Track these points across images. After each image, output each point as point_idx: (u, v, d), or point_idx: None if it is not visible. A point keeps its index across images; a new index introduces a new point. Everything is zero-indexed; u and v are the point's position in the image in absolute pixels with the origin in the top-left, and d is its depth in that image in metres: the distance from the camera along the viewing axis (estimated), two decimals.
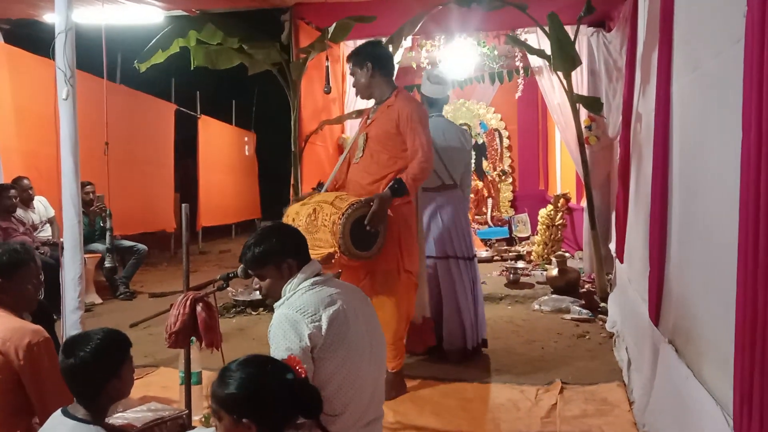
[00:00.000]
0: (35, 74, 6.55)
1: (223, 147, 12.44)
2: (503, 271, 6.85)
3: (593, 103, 5.41)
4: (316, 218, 3.04)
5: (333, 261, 2.96)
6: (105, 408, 1.78)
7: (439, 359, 3.92)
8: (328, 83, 6.34)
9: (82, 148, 3.36)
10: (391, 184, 3.16)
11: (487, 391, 3.44)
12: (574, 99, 5.39)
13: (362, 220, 3.00)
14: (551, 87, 6.36)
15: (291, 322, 1.98)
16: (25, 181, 6.12)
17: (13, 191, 5.77)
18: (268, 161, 14.22)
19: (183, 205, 2.85)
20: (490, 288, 6.26)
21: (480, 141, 10.53)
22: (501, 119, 10.56)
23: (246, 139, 13.85)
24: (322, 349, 1.97)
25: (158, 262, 9.34)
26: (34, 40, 6.38)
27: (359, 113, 5.82)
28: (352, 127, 6.43)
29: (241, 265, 2.64)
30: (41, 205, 6.38)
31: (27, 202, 6.14)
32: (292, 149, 6.01)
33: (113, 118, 7.31)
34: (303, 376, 1.72)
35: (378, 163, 3.31)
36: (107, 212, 6.22)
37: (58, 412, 1.73)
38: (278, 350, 1.95)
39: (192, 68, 5.67)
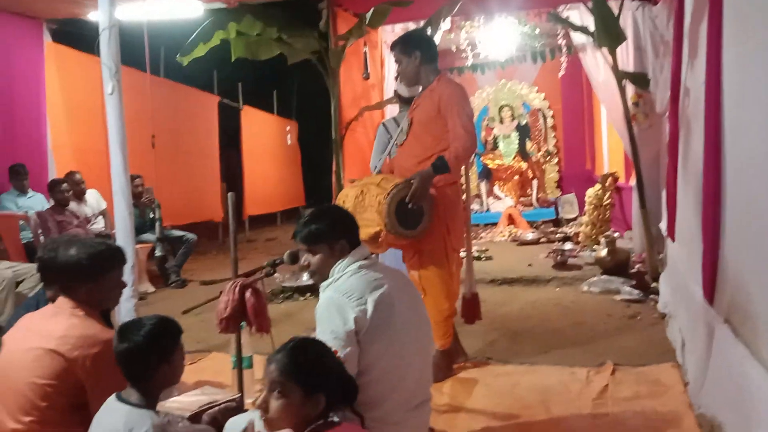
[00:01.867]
0: (83, 71, 6.74)
1: (266, 137, 12.58)
2: (550, 252, 6.75)
3: (640, 79, 5.25)
4: (363, 199, 3.15)
5: (380, 240, 3.05)
6: (157, 393, 1.83)
7: (487, 341, 3.90)
8: (367, 69, 6.33)
9: (129, 141, 3.45)
10: (434, 162, 3.18)
11: (537, 373, 3.41)
12: (620, 76, 5.24)
13: (406, 200, 3.06)
14: (595, 64, 6.19)
15: (337, 306, 2.00)
16: (77, 176, 6.33)
17: (64, 185, 5.97)
18: (310, 149, 14.32)
19: (229, 194, 2.90)
20: (536, 270, 6.19)
21: (523, 122, 10.37)
22: (544, 99, 10.36)
23: (288, 128, 13.97)
24: (367, 332, 1.99)
25: (207, 250, 9.55)
26: (80, 38, 6.56)
27: (399, 98, 5.78)
28: (391, 112, 6.40)
29: (288, 252, 2.69)
30: (93, 198, 6.60)
31: (80, 196, 6.36)
32: (333, 136, 6.04)
33: (159, 111, 7.51)
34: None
35: (422, 145, 3.35)
36: (156, 203, 6.39)
37: (112, 397, 1.78)
38: (324, 332, 1.98)
39: (233, 60, 5.73)
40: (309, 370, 1.53)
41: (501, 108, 10.42)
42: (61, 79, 6.68)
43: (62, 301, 2.05)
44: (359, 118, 6.31)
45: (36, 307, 2.53)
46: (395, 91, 4.32)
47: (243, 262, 2.78)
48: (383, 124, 4.35)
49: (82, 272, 2.02)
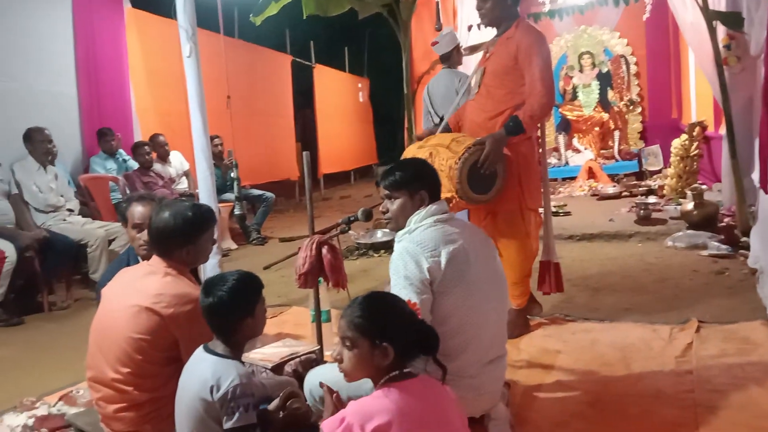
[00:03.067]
0: (161, 35, 6.93)
1: (338, 95, 12.63)
2: (633, 207, 6.52)
3: (733, 19, 4.87)
4: (432, 162, 2.98)
5: (451, 205, 2.94)
6: (241, 344, 1.91)
7: (564, 299, 3.84)
8: (439, 20, 6.20)
9: (208, 103, 3.55)
10: (506, 122, 3.04)
11: (617, 329, 3.33)
12: (710, 16, 4.88)
13: (478, 163, 2.93)
14: (683, 4, 5.77)
15: (411, 254, 2.02)
16: (161, 138, 6.61)
17: (146, 147, 6.24)
18: (381, 106, 14.28)
19: (304, 153, 2.94)
20: (618, 225, 6.00)
21: (604, 69, 9.91)
22: (627, 44, 9.84)
23: (360, 85, 13.96)
24: (441, 283, 2.00)
25: (285, 209, 9.80)
26: (158, 2, 6.71)
27: (472, 49, 5.64)
28: (465, 64, 6.25)
29: (362, 209, 2.72)
30: (177, 160, 6.88)
31: (164, 157, 6.65)
32: (405, 92, 5.97)
33: (234, 72, 7.66)
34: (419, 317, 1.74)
35: (494, 99, 3.18)
36: (234, 163, 6.59)
37: (200, 348, 1.87)
38: (398, 280, 2.01)
39: (304, 17, 5.73)
40: (373, 322, 1.56)
41: (580, 55, 9.99)
42: (142, 44, 6.91)
43: (156, 261, 2.15)
44: (431, 72, 6.21)
45: (127, 263, 2.70)
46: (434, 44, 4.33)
47: (319, 220, 2.84)
48: (426, 89, 4.45)
49: (176, 235, 2.11)
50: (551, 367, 2.92)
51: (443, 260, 2.01)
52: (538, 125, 3.37)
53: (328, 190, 12.05)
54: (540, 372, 2.87)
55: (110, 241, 4.95)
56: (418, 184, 2.17)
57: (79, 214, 5.19)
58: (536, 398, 2.58)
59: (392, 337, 1.55)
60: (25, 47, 5.56)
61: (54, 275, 4.83)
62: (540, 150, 3.50)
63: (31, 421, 2.45)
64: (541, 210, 3.44)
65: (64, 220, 4.99)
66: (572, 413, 2.42)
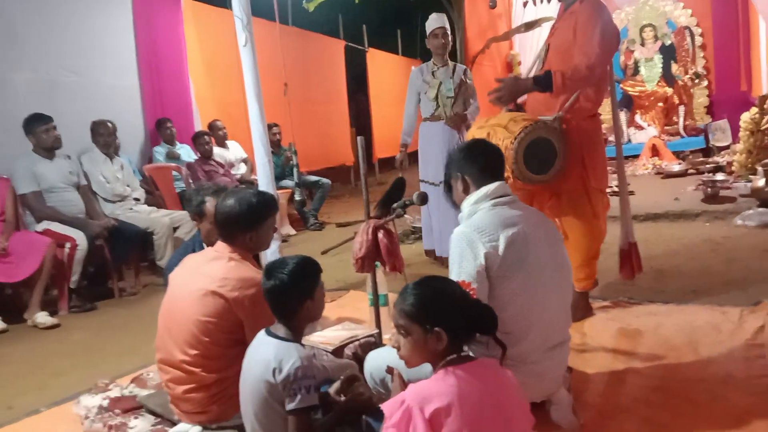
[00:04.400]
0: (217, 25, 7.07)
1: (392, 78, 12.58)
2: (699, 185, 6.27)
3: None
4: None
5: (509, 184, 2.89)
6: (302, 327, 1.95)
7: (627, 281, 3.73)
8: None
9: (264, 91, 3.59)
10: (538, 75, 2.93)
11: (683, 312, 3.22)
12: None
13: (536, 143, 2.85)
14: None
15: (468, 241, 2.00)
16: (218, 122, 6.84)
17: (206, 137, 6.41)
18: None
19: (358, 138, 2.95)
20: (684, 204, 5.80)
21: (667, 42, 9.51)
22: (691, 15, 9.40)
23: (413, 67, 13.87)
24: (499, 268, 1.97)
25: (341, 194, 9.89)
26: None
27: (528, 26, 5.52)
28: (520, 42, 6.13)
29: (417, 193, 2.72)
30: (235, 147, 7.06)
31: (222, 142, 6.84)
32: None
33: (289, 59, 7.72)
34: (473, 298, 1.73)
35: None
36: (293, 150, 6.69)
37: (262, 332, 1.92)
38: (453, 266, 2.01)
39: (357, 1, 5.72)
40: (422, 308, 1.56)
41: (642, 28, 9.61)
42: (199, 35, 7.06)
43: (221, 246, 2.22)
44: (486, 51, 6.11)
45: (193, 249, 2.78)
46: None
47: (375, 204, 2.85)
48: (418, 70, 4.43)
49: (241, 221, 2.17)
50: (615, 351, 2.86)
51: (501, 245, 1.98)
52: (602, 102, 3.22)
53: (383, 174, 12.06)
54: (603, 356, 2.81)
55: (175, 229, 5.12)
56: (464, 166, 2.16)
57: (144, 203, 5.38)
58: (599, 383, 2.53)
59: (444, 321, 1.55)
60: (89, 43, 5.77)
61: (123, 262, 5.03)
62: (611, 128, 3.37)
63: (105, 402, 2.57)
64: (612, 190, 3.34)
65: (131, 209, 5.18)
66: (636, 398, 2.36)
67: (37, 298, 4.21)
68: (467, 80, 4.75)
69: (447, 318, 1.56)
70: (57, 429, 2.54)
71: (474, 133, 3.10)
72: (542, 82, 2.89)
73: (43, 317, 4.11)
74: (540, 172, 2.90)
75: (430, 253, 4.82)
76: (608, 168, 3.30)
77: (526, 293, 2.00)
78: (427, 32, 4.73)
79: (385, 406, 1.50)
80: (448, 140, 4.65)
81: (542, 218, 2.23)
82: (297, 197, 6.75)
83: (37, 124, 4.58)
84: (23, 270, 4.14)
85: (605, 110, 9.46)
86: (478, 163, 2.16)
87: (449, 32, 4.73)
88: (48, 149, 4.63)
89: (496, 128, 2.96)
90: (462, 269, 1.97)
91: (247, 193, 2.24)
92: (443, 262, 4.51)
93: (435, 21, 4.73)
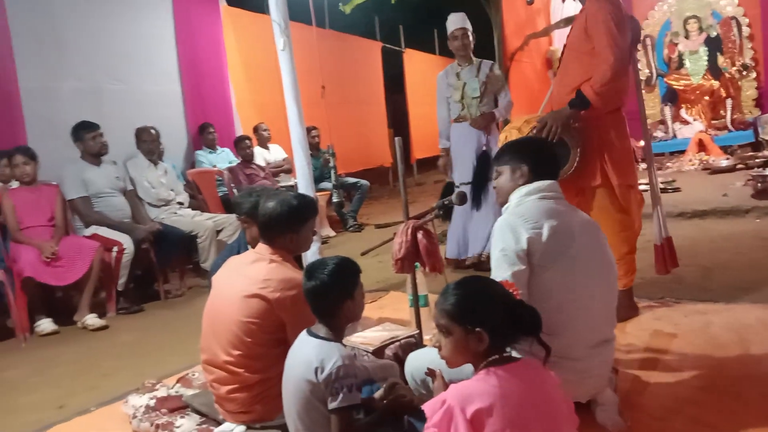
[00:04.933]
0: (256, 31, 7.17)
1: (429, 78, 12.45)
2: (749, 180, 6.07)
3: None
4: None
5: None
6: (342, 327, 1.96)
7: (674, 279, 3.64)
8: None
9: (303, 94, 3.62)
10: (571, 98, 2.95)
11: (733, 311, 3.12)
12: None
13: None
14: None
15: (511, 226, 2.00)
16: (262, 125, 6.95)
17: (247, 141, 6.51)
18: None
19: (396, 139, 2.95)
20: (733, 200, 5.62)
21: (713, 34, 9.24)
22: (738, 4, 9.10)
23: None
24: (542, 257, 1.96)
25: (380, 195, 9.90)
26: None
27: (568, 21, 5.43)
28: (560, 38, 6.03)
29: (456, 192, 2.70)
30: (277, 149, 7.17)
31: (265, 144, 6.96)
32: None
33: (326, 62, 7.79)
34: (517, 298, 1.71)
35: (570, 75, 3.09)
36: (331, 152, 6.74)
37: (304, 332, 1.94)
38: (494, 252, 2.01)
39: (393, 2, 5.73)
40: (464, 308, 1.55)
41: (686, 20, 9.36)
42: (238, 40, 7.18)
43: (262, 248, 2.25)
44: (524, 48, 6.04)
45: (237, 251, 2.82)
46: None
47: (413, 205, 2.85)
48: (443, 73, 4.38)
49: (282, 223, 2.20)
50: (662, 350, 2.79)
51: (545, 233, 1.98)
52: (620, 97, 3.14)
53: (422, 175, 12.05)
54: (650, 356, 2.74)
55: (218, 232, 5.21)
56: (517, 158, 2.17)
57: (188, 207, 5.49)
58: (646, 383, 2.47)
59: (485, 322, 1.54)
60: (132, 52, 5.93)
61: (168, 265, 5.15)
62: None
63: (152, 402, 2.63)
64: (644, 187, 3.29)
65: (175, 213, 5.29)
66: (685, 398, 2.30)
67: (86, 301, 4.34)
68: (495, 72, 4.66)
69: (488, 319, 1.55)
70: (106, 428, 2.61)
71: (501, 139, 3.14)
72: (578, 103, 2.91)
73: (92, 319, 4.23)
74: None
75: (451, 261, 4.67)
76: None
77: (567, 285, 1.98)
78: (448, 34, 4.66)
79: (426, 406, 1.50)
80: (476, 141, 4.58)
81: (587, 218, 2.22)
82: (335, 199, 6.79)
83: (84, 131, 4.72)
84: (73, 273, 4.27)
85: (650, 105, 9.32)
86: (536, 158, 2.18)
87: (470, 32, 4.62)
88: (95, 155, 4.77)
89: (512, 130, 3.05)
90: (501, 257, 1.97)
91: (288, 195, 2.27)
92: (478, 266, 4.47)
93: (453, 22, 4.65)
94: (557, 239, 1.99)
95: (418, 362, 2.11)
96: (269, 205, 2.21)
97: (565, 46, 3.19)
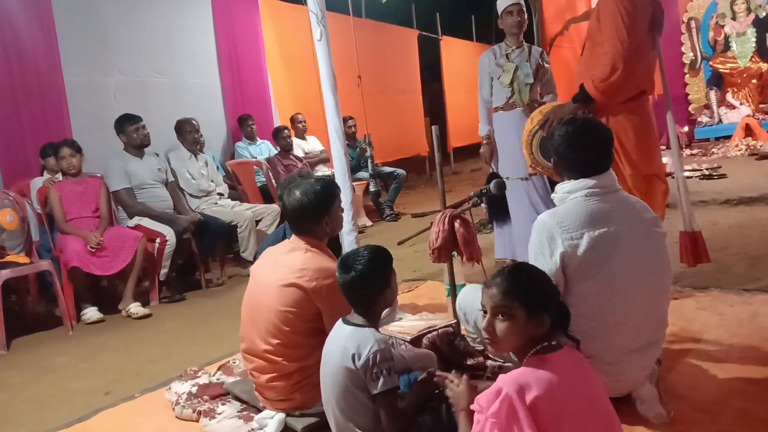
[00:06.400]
0: (293, 21, 7.21)
1: (466, 65, 12.40)
2: None
3: None
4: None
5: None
6: (377, 314, 1.97)
7: (720, 268, 3.54)
8: None
9: (339, 83, 3.62)
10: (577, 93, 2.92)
11: None
12: None
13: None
14: None
15: (548, 235, 1.95)
16: (299, 116, 6.99)
17: (285, 131, 6.56)
18: None
19: (433, 127, 2.94)
20: None
21: (761, 14, 8.90)
22: None
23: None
24: (578, 268, 1.92)
25: (416, 185, 9.88)
26: None
27: None
28: None
29: (494, 181, 2.67)
30: (314, 140, 7.21)
31: (302, 135, 7.00)
32: None
33: (363, 51, 7.78)
34: None
35: (585, 64, 3.05)
36: (368, 142, 6.76)
37: (339, 321, 1.96)
38: (529, 257, 1.99)
39: None
40: (530, 291, 1.55)
41: (733, 1, 9.04)
42: (276, 32, 7.22)
43: (296, 239, 2.27)
44: (565, 32, 5.91)
45: (283, 238, 2.85)
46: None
47: (450, 194, 2.83)
48: (490, 52, 4.19)
49: (313, 210, 2.22)
50: (707, 341, 2.72)
51: (584, 245, 1.91)
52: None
53: (459, 163, 11.96)
54: (694, 347, 2.67)
55: (257, 222, 5.28)
56: (557, 152, 2.12)
57: (228, 198, 5.57)
58: (691, 375, 2.41)
59: (547, 307, 1.55)
60: (173, 45, 6.03)
61: (209, 255, 5.24)
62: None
63: (194, 389, 2.68)
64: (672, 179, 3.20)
65: (216, 203, 5.38)
66: (731, 390, 2.23)
67: (130, 290, 4.45)
68: (545, 64, 4.33)
69: (550, 303, 1.58)
70: (150, 414, 2.68)
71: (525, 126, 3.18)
72: (581, 98, 2.88)
73: (136, 308, 4.34)
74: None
75: (501, 262, 4.12)
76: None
77: (605, 295, 1.92)
78: (499, 11, 4.31)
79: (480, 398, 1.48)
80: None
81: (642, 214, 2.07)
82: (372, 189, 6.81)
83: (127, 124, 4.82)
84: (117, 263, 4.38)
85: (694, 90, 9.05)
86: (577, 151, 2.06)
87: (524, 9, 4.17)
88: (138, 147, 4.87)
89: (527, 122, 3.09)
90: (537, 264, 1.91)
91: (308, 182, 2.27)
92: None
93: None
94: (596, 252, 1.91)
95: (470, 297, 2.14)
96: (295, 198, 2.22)
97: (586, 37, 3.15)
